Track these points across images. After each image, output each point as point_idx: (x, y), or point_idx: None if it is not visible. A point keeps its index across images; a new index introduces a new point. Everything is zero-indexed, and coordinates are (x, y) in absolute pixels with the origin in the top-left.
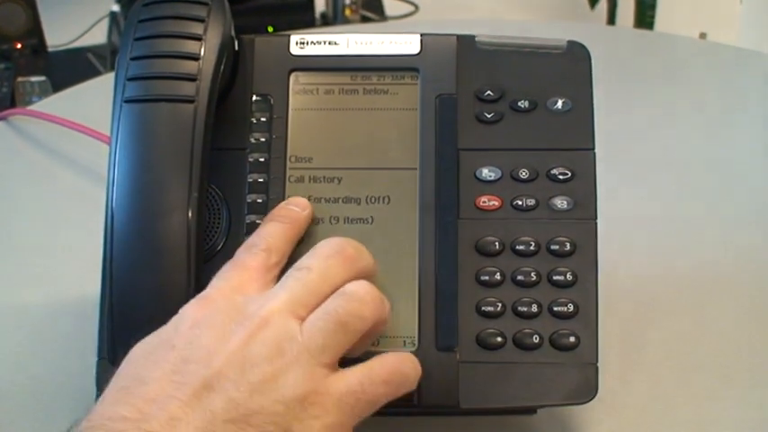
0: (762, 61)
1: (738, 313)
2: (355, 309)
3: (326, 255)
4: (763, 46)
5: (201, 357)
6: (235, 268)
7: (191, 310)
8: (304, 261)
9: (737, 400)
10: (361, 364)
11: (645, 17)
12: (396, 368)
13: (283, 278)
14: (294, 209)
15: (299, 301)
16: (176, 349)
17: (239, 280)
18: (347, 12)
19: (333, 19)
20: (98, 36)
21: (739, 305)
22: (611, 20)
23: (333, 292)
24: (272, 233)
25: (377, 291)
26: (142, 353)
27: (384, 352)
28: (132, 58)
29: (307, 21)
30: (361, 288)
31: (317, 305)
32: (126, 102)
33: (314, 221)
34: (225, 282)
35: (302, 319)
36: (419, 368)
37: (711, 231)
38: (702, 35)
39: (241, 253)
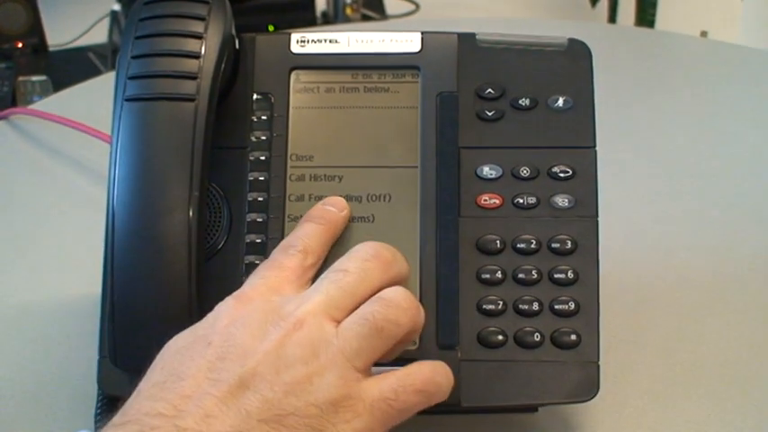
0: (763, 59)
1: (740, 312)
2: (392, 314)
3: (363, 258)
4: (764, 44)
5: (237, 356)
6: (272, 268)
7: (227, 308)
8: (341, 263)
9: (738, 399)
10: (395, 371)
11: (646, 15)
12: (430, 378)
13: (319, 280)
14: (331, 209)
15: (335, 304)
16: (213, 346)
17: (276, 280)
18: (348, 10)
19: (334, 18)
20: (99, 35)
21: (741, 304)
22: (612, 18)
23: (369, 296)
24: (308, 234)
25: (413, 297)
26: (177, 348)
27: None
28: (133, 57)
29: (307, 19)
30: (398, 294)
31: (354, 308)
32: (127, 100)
33: None
34: (262, 281)
35: (338, 322)
36: (452, 378)
37: (714, 230)
38: (703, 33)
39: (278, 253)
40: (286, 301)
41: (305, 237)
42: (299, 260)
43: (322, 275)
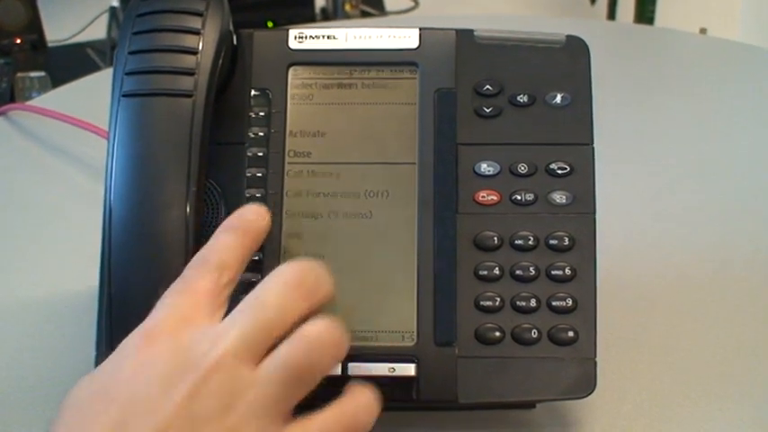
0: (763, 56)
1: (737, 309)
2: (315, 356)
3: (284, 288)
4: (763, 41)
5: (146, 411)
6: (183, 293)
7: (132, 350)
8: (259, 291)
9: (736, 397)
10: (316, 414)
11: (645, 12)
12: (353, 420)
13: (235, 311)
14: (250, 217)
15: (252, 342)
16: (116, 404)
17: (188, 308)
18: (347, 7)
19: (333, 14)
20: (98, 31)
21: (738, 301)
22: (612, 15)
23: (290, 330)
24: (225, 246)
25: (337, 328)
26: (80, 401)
27: (386, 345)
28: (130, 53)
29: (306, 16)
30: (321, 330)
31: (273, 344)
32: (124, 96)
33: (313, 216)
34: (171, 310)
35: (255, 362)
36: (375, 411)
37: (713, 227)
38: (703, 30)
39: (190, 270)
40: (197, 341)
41: (221, 250)
42: (214, 279)
43: (239, 306)
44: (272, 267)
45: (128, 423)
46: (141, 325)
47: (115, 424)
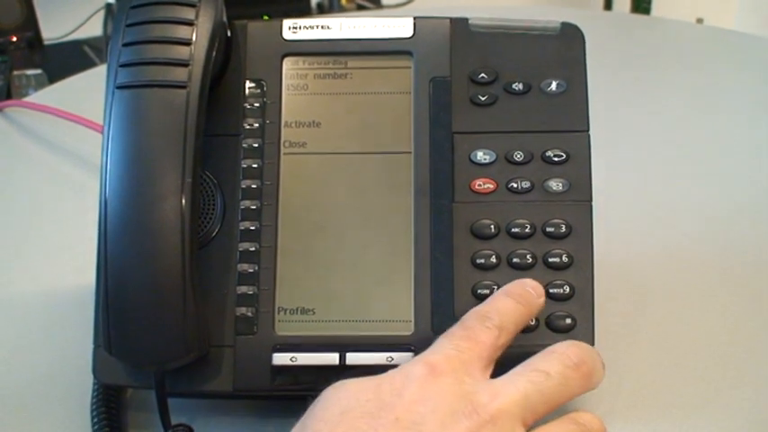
0: (758, 45)
1: (735, 296)
2: None
3: (566, 364)
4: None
5: None
6: (467, 339)
7: (418, 378)
8: (541, 362)
9: (733, 384)
10: None
11: (641, 2)
12: None
13: (515, 373)
14: (531, 292)
15: (531, 407)
16: (399, 424)
17: (470, 354)
18: (343, 1)
19: (329, 8)
20: (94, 28)
21: (736, 287)
22: (608, 5)
23: (560, 404)
24: (506, 311)
25: (604, 427)
26: (360, 407)
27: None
28: (124, 45)
29: (302, 9)
30: (595, 423)
31: (545, 413)
32: (118, 88)
33: (309, 207)
34: (456, 352)
35: (527, 426)
36: None
37: (709, 216)
38: (699, 20)
39: (473, 321)
40: (480, 389)
41: (502, 313)
42: (494, 337)
43: (516, 369)
44: (267, 260)
45: None
46: (424, 356)
47: None
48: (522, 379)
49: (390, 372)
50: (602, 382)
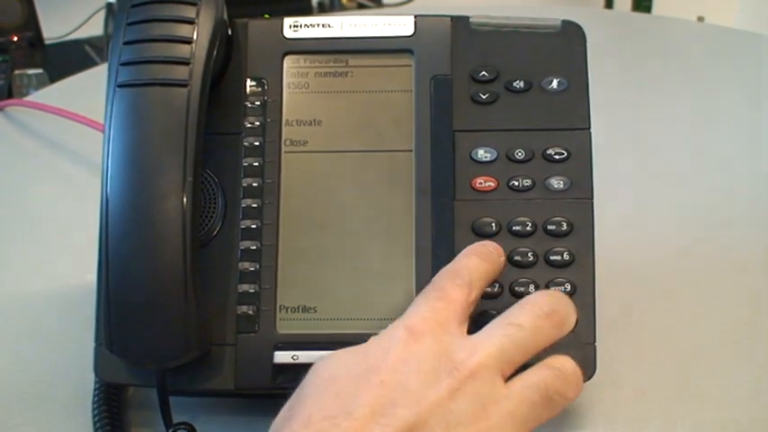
0: (759, 43)
1: (735, 293)
2: (562, 387)
3: (538, 314)
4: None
5: (408, 402)
6: (440, 300)
7: (399, 340)
8: (514, 315)
9: (735, 380)
10: None
11: (642, 0)
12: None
13: (490, 328)
14: (493, 251)
15: (507, 359)
16: (384, 386)
17: (445, 313)
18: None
19: (329, 7)
20: (95, 28)
21: (736, 284)
22: (609, 4)
23: (536, 353)
24: (474, 268)
25: (580, 370)
26: (349, 371)
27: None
28: (125, 43)
29: (303, 9)
30: (569, 366)
31: (522, 362)
32: (119, 87)
33: (310, 205)
34: (431, 313)
35: (506, 378)
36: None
37: (710, 214)
38: (700, 18)
39: (444, 280)
40: (457, 346)
41: (470, 269)
42: (465, 294)
43: (491, 324)
44: (268, 258)
45: (395, 404)
46: (403, 319)
47: (381, 407)
48: (498, 333)
49: (374, 338)
50: (573, 326)
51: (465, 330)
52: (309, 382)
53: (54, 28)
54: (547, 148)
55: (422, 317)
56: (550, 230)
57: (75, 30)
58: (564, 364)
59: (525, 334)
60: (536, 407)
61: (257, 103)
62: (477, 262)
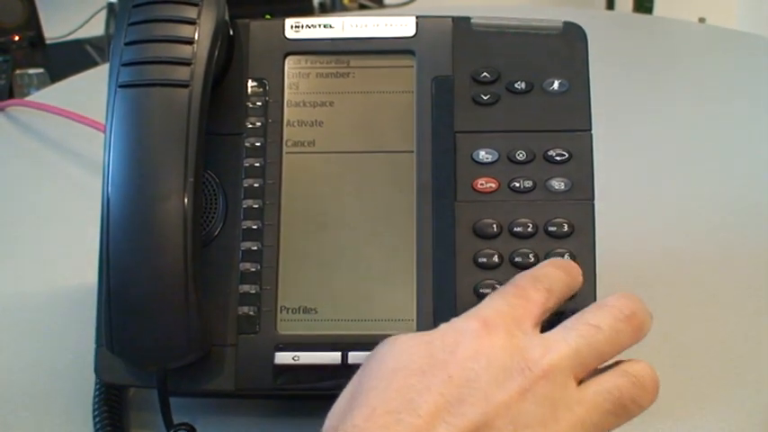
0: (760, 44)
1: (736, 294)
2: (638, 395)
3: (617, 316)
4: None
5: (477, 401)
6: (518, 297)
7: (471, 333)
8: (592, 315)
9: (734, 380)
10: None
11: (643, 2)
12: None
13: (564, 327)
14: (575, 267)
15: (582, 361)
16: (453, 382)
17: (521, 311)
18: (345, 0)
19: (331, 7)
20: (96, 28)
21: (737, 286)
22: (611, 5)
23: (612, 357)
24: (555, 277)
25: (657, 377)
26: (413, 363)
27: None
28: (126, 44)
29: (305, 8)
30: (647, 373)
31: (596, 367)
32: (121, 87)
33: (311, 206)
34: (508, 308)
35: (579, 381)
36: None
37: (711, 216)
38: (701, 20)
39: (524, 281)
40: (531, 344)
41: (551, 278)
42: (544, 298)
43: (567, 323)
44: (269, 259)
45: (462, 402)
46: (476, 311)
47: (449, 404)
48: (574, 333)
49: (442, 326)
50: (648, 330)
51: (539, 332)
52: (373, 372)
53: (55, 28)
54: (548, 150)
55: (497, 310)
56: (551, 232)
57: (77, 30)
58: (641, 370)
59: (603, 336)
60: (608, 415)
61: (258, 103)
62: (558, 273)
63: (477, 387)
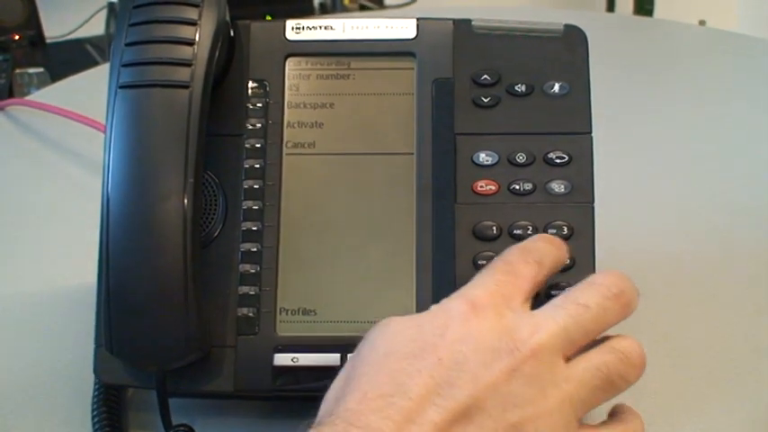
0: (761, 47)
1: (736, 295)
2: (624, 371)
3: (605, 294)
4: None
5: (465, 383)
6: (507, 273)
7: (459, 314)
8: (580, 294)
9: (733, 382)
10: (603, 428)
11: (644, 4)
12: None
13: (553, 306)
14: (563, 243)
15: (570, 338)
16: (442, 365)
17: (510, 288)
18: (346, 1)
19: (331, 8)
20: (96, 27)
21: (737, 287)
22: (611, 7)
23: (600, 335)
24: (545, 250)
25: (644, 352)
26: (404, 347)
27: None
28: (127, 44)
29: (305, 10)
30: (633, 348)
31: (584, 345)
32: (121, 87)
33: (311, 207)
34: (496, 286)
35: (566, 359)
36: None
37: (710, 218)
38: (702, 22)
39: (513, 256)
40: (520, 324)
41: (541, 251)
42: (534, 271)
43: (555, 301)
44: (269, 260)
45: (452, 384)
46: (465, 290)
47: (438, 387)
48: (562, 312)
49: (433, 308)
50: (635, 307)
51: (528, 308)
52: (365, 356)
53: (55, 27)
54: (548, 152)
55: (486, 289)
56: (551, 234)
57: (77, 29)
58: (628, 346)
59: (591, 315)
60: (596, 390)
61: (259, 104)
62: (549, 246)
63: (466, 369)
